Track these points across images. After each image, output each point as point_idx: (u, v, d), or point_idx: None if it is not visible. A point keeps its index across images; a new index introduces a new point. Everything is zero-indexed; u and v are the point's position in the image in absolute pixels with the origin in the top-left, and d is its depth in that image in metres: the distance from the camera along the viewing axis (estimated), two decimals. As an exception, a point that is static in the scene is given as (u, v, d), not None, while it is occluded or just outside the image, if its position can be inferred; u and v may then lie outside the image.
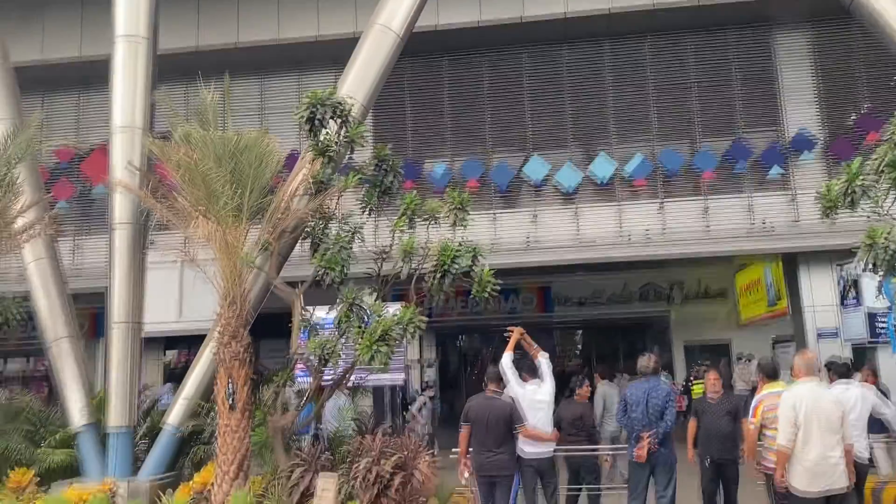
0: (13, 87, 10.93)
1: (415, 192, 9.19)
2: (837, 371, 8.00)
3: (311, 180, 8.73)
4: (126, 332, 9.38)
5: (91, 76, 16.03)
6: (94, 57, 14.65)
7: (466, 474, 7.66)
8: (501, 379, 7.73)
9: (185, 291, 12.97)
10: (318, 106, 8.56)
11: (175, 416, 9.27)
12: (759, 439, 7.06)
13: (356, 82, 9.83)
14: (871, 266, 7.29)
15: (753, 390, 9.88)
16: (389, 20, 10.04)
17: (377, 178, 9.18)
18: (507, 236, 15.66)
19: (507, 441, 7.32)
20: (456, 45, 16.29)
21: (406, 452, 7.83)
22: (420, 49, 14.73)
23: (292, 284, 8.68)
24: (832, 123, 15.65)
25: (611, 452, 9.45)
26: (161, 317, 12.07)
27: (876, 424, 8.26)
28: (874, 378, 9.84)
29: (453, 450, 8.14)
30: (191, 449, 9.44)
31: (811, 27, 15.99)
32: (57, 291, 10.07)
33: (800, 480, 5.90)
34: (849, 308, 14.32)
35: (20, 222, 9.42)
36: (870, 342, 13.96)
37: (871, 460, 7.89)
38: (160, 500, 8.32)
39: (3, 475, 8.77)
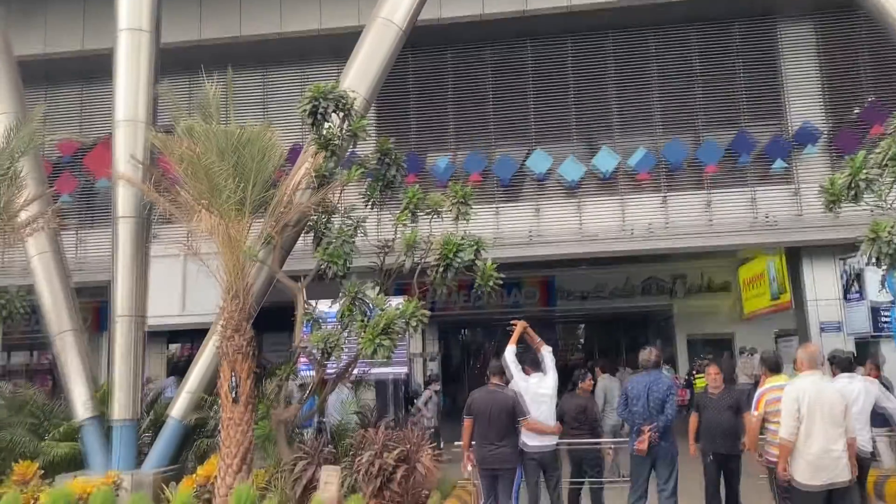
0: (16, 81, 10.93)
1: (417, 185, 9.19)
2: (840, 364, 7.98)
3: (313, 174, 8.73)
4: (129, 325, 9.41)
5: (94, 69, 16.03)
6: (97, 50, 14.68)
7: (469, 467, 7.67)
8: (504, 372, 7.73)
9: (188, 285, 13.01)
10: (321, 99, 8.55)
11: (179, 409, 9.30)
12: (762, 433, 7.06)
13: (359, 76, 9.82)
14: (874, 260, 7.28)
15: (756, 383, 9.86)
16: (392, 14, 10.02)
17: (380, 172, 9.18)
18: (509, 230, 15.65)
19: (509, 434, 7.32)
20: (459, 38, 16.25)
21: (409, 446, 7.86)
22: (423, 42, 14.72)
23: (295, 278, 8.69)
24: (836, 116, 15.59)
25: (613, 445, 9.46)
26: (164, 310, 12.11)
27: (878, 418, 8.26)
28: (877, 372, 9.83)
29: (456, 443, 8.15)
30: (194, 441, 9.48)
31: (816, 19, 15.91)
32: (60, 285, 10.09)
33: (802, 474, 5.90)
34: (852, 302, 14.31)
35: (24, 216, 9.43)
36: (873, 336, 13.96)
37: (873, 454, 7.89)
38: (164, 493, 8.36)
39: (8, 468, 8.81)
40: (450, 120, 16.57)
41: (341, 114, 8.78)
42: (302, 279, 8.61)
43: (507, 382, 7.74)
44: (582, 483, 8.56)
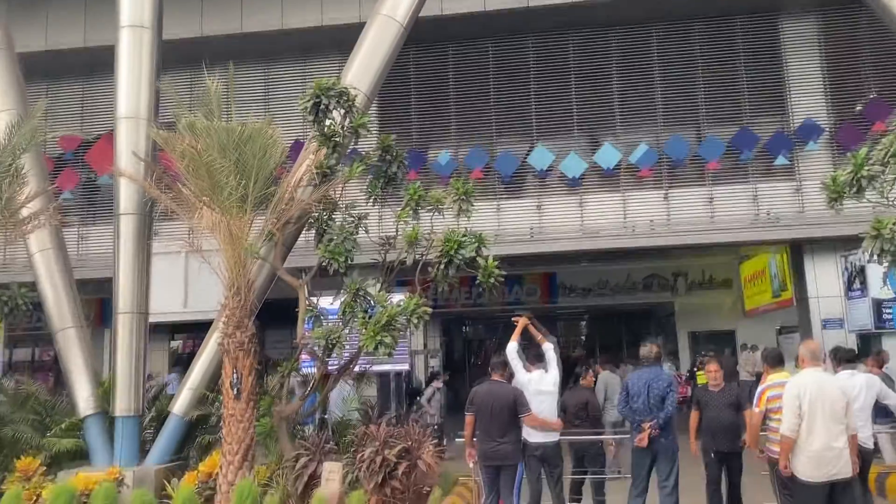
0: (17, 76, 10.94)
1: (419, 181, 9.19)
2: (842, 358, 7.97)
3: (315, 170, 8.73)
4: (132, 320, 9.43)
5: (95, 65, 16.02)
6: (99, 45, 14.66)
7: (471, 463, 7.68)
8: (506, 367, 7.73)
9: (190, 280, 13.00)
10: (323, 95, 8.55)
11: (181, 405, 9.32)
12: (763, 428, 7.06)
13: (360, 71, 9.81)
14: (876, 256, 7.27)
15: (758, 379, 9.86)
16: (393, 10, 10.01)
17: (381, 168, 9.19)
18: (511, 225, 15.63)
19: (511, 429, 7.32)
20: (461, 33, 16.21)
21: (410, 441, 7.87)
22: (425, 37, 14.67)
23: (297, 274, 8.70)
24: (839, 112, 15.55)
25: (616, 438, 9.48)
26: (166, 305, 12.12)
27: (881, 412, 8.25)
28: (880, 365, 9.83)
29: (458, 432, 8.14)
30: (197, 437, 9.50)
31: (819, 15, 15.85)
32: (63, 281, 10.11)
33: (804, 468, 5.90)
34: (854, 297, 14.29)
35: (25, 212, 9.44)
36: (876, 330, 13.93)
37: (875, 447, 7.89)
38: (166, 488, 8.39)
39: (11, 462, 8.85)
40: (451, 116, 16.54)
41: (343, 110, 8.78)
42: (304, 275, 8.61)
43: (510, 378, 7.74)
44: (584, 477, 8.57)
